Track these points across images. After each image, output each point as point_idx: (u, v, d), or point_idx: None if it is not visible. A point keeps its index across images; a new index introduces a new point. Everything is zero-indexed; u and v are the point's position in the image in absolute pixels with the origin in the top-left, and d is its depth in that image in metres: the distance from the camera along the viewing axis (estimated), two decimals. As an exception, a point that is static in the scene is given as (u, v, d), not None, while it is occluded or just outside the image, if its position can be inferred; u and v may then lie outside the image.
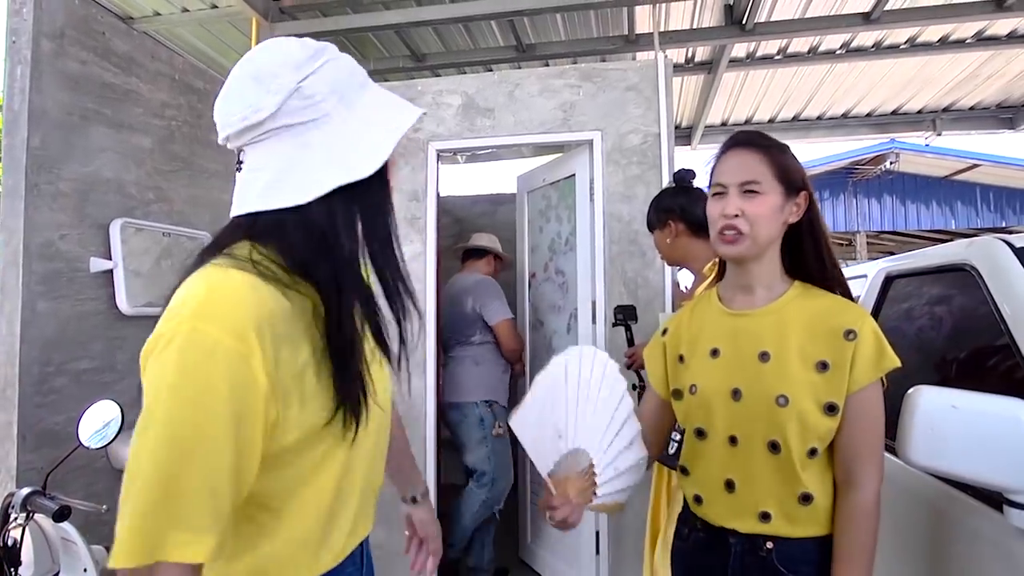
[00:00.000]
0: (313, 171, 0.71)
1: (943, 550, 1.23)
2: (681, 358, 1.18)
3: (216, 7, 3.32)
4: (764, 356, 1.05)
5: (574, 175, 2.74)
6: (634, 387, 1.90)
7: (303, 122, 0.71)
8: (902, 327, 1.73)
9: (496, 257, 3.20)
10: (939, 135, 5.62)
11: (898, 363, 1.00)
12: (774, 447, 1.02)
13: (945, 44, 4.08)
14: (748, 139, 1.09)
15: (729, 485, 1.07)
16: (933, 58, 4.33)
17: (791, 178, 1.07)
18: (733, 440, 1.06)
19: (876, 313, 1.85)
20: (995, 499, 1.10)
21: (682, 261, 1.88)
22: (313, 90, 0.71)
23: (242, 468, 0.64)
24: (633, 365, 1.79)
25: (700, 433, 1.11)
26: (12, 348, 1.80)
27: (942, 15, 3.46)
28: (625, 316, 1.97)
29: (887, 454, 1.44)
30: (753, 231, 1.05)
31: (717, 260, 1.80)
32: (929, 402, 1.07)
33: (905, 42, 4.07)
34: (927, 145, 7.25)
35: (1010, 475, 0.99)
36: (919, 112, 5.46)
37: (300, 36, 0.77)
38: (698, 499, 1.12)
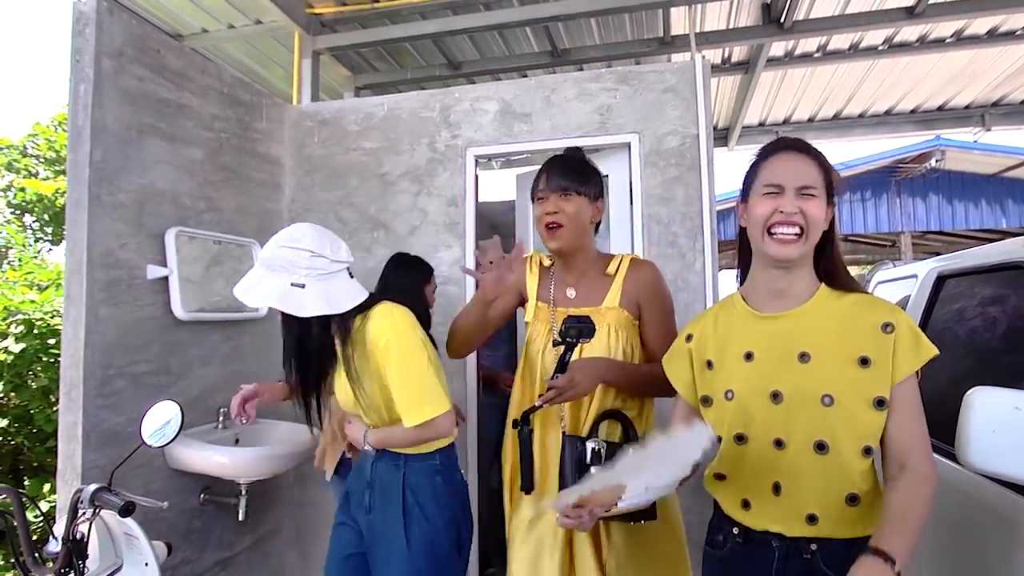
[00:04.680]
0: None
1: (1006, 556, 1.20)
2: (710, 364, 1.17)
3: (260, 23, 3.44)
4: (804, 356, 1.06)
5: (607, 176, 2.71)
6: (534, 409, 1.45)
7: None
8: (955, 328, 1.68)
9: None
10: (988, 131, 5.44)
11: (936, 351, 1.01)
12: (820, 447, 1.02)
13: (994, 36, 3.95)
14: (802, 145, 1.12)
15: (776, 488, 1.06)
16: (981, 51, 4.20)
17: (832, 188, 1.11)
18: (779, 443, 1.05)
19: (928, 313, 1.81)
20: (1062, 504, 1.07)
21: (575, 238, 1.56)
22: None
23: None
24: (559, 399, 1.36)
25: (740, 438, 1.10)
26: (77, 352, 1.89)
27: (990, 7, 3.35)
28: (579, 333, 1.36)
29: (941, 458, 1.41)
30: (811, 232, 1.08)
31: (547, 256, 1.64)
32: (990, 404, 1.05)
33: (951, 36, 3.96)
34: (975, 141, 7.00)
35: (1078, 478, 0.96)
36: (967, 107, 5.30)
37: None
38: (746, 504, 1.11)
